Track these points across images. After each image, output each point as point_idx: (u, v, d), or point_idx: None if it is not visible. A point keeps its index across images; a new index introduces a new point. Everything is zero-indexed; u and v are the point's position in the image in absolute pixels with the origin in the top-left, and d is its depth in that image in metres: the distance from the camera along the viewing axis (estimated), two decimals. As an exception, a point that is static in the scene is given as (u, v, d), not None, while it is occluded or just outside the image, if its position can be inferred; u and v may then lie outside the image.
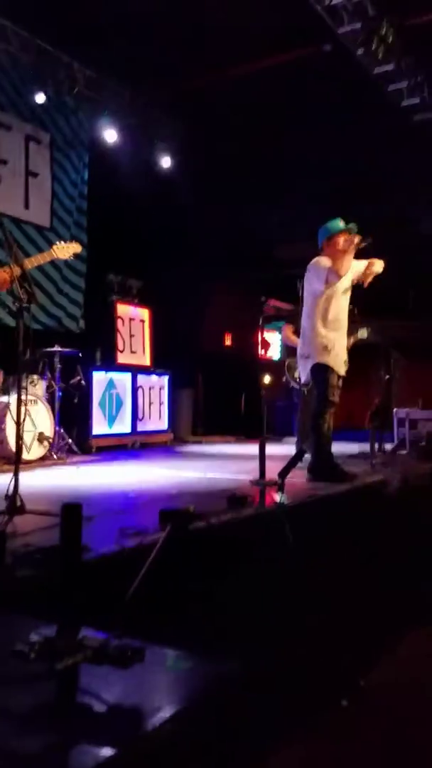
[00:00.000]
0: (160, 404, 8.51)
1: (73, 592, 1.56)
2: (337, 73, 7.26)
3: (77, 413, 7.04)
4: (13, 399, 5.47)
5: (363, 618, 3.09)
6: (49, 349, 6.54)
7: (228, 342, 11.35)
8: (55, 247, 4.96)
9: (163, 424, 8.57)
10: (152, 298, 8.74)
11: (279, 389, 9.20)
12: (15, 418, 3.58)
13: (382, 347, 7.93)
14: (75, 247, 5.02)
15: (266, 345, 10.76)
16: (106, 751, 1.17)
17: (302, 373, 5.18)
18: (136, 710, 1.33)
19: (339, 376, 4.96)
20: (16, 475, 3.25)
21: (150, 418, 8.29)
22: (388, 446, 6.92)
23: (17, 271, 3.64)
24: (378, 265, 5.03)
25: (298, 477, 4.72)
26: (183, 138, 9.07)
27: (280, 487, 4.12)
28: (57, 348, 6.61)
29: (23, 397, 3.68)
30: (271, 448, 4.70)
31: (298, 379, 5.99)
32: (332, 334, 4.92)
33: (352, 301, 5.16)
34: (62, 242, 5.14)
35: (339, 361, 4.95)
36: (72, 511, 1.61)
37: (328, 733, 2.15)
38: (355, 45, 6.90)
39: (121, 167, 8.47)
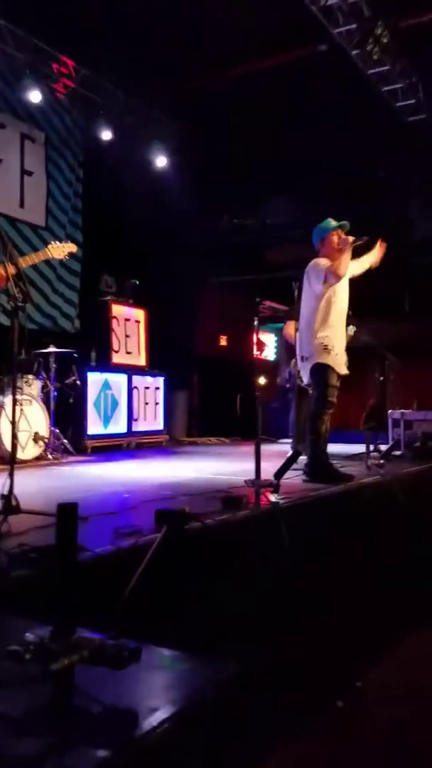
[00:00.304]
0: (156, 405, 8.50)
1: (68, 592, 1.55)
2: (332, 74, 7.27)
3: (72, 413, 7.03)
4: (8, 399, 5.46)
5: (360, 618, 3.09)
6: (44, 350, 6.53)
7: (223, 343, 11.35)
8: (50, 246, 4.94)
9: (159, 425, 8.56)
10: (147, 298, 8.73)
11: (274, 390, 9.20)
12: (10, 417, 3.56)
13: (377, 349, 7.95)
14: (70, 247, 5.01)
15: (261, 346, 10.75)
16: (102, 753, 1.16)
17: (302, 374, 5.17)
18: (132, 711, 1.31)
19: (339, 376, 4.96)
20: (11, 474, 3.23)
21: (145, 418, 8.28)
22: (383, 447, 6.92)
23: (12, 270, 3.62)
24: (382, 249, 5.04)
25: (294, 478, 4.71)
26: (178, 138, 9.07)
27: (276, 488, 4.11)
28: (52, 348, 6.59)
29: (18, 396, 3.65)
30: (267, 449, 4.69)
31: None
32: (331, 335, 4.91)
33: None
34: (57, 242, 5.12)
35: (339, 361, 4.95)
36: (68, 511, 1.59)
37: (324, 734, 2.14)
38: (350, 46, 6.92)
39: (117, 166, 8.46)
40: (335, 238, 4.90)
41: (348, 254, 4.81)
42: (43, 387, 6.52)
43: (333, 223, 4.97)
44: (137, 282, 8.45)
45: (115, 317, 8.23)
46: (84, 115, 8.55)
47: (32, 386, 6.24)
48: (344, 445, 6.74)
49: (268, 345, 11.07)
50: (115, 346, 8.17)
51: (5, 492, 3.21)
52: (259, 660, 2.20)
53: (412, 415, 7.34)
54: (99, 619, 1.64)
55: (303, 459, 4.96)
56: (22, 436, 5.70)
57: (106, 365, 7.82)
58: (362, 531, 4.19)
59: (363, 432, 6.45)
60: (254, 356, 10.61)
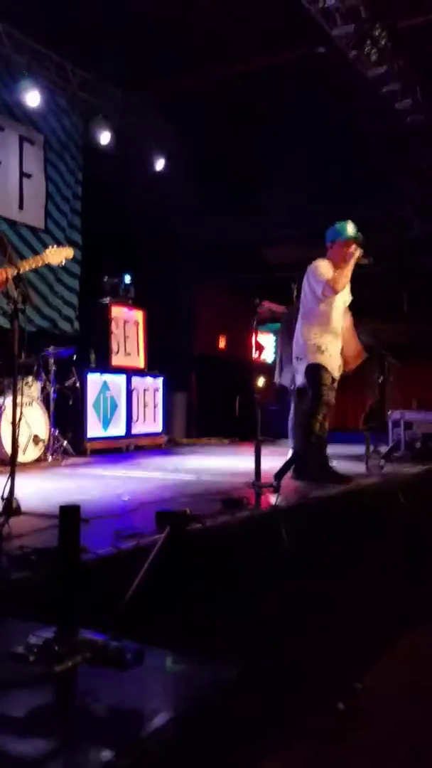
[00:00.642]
0: (155, 406, 8.50)
1: (71, 594, 1.56)
2: (330, 74, 7.28)
3: (72, 415, 7.03)
4: (8, 401, 5.46)
5: (360, 619, 3.10)
6: (43, 352, 6.53)
7: (222, 344, 11.35)
8: (47, 251, 4.83)
9: (158, 427, 8.56)
10: (146, 300, 8.74)
11: (273, 391, 9.20)
12: (10, 419, 3.57)
13: (375, 349, 7.96)
14: (67, 252, 4.89)
15: (260, 347, 10.75)
16: (106, 754, 1.17)
17: (297, 375, 5.17)
18: (135, 712, 1.32)
19: (333, 378, 4.95)
20: (12, 476, 3.24)
21: (144, 420, 8.28)
22: (383, 448, 6.93)
23: (12, 272, 3.63)
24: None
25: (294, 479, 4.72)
26: (176, 139, 9.08)
27: (276, 489, 4.12)
28: (52, 350, 6.60)
29: (18, 398, 3.66)
30: (266, 451, 4.69)
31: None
32: (327, 336, 4.91)
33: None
34: (54, 246, 5.06)
35: (333, 362, 4.94)
36: (70, 513, 1.60)
37: (324, 735, 2.15)
38: (348, 47, 6.93)
39: (116, 168, 8.47)
40: (345, 249, 4.83)
41: (350, 268, 4.77)
42: (43, 389, 6.53)
43: (351, 231, 4.88)
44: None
45: (114, 319, 8.23)
46: (83, 117, 8.56)
47: (32, 388, 6.24)
48: (343, 446, 6.75)
49: (266, 346, 11.06)
50: (114, 348, 8.17)
51: (6, 494, 3.22)
52: (260, 662, 2.21)
53: (412, 416, 7.35)
54: (101, 621, 1.64)
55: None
56: (22, 439, 5.70)
57: (105, 367, 7.83)
58: (362, 532, 4.20)
59: (362, 432, 6.45)
60: (253, 357, 10.62)
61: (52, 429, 6.40)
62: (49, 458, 6.22)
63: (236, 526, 3.34)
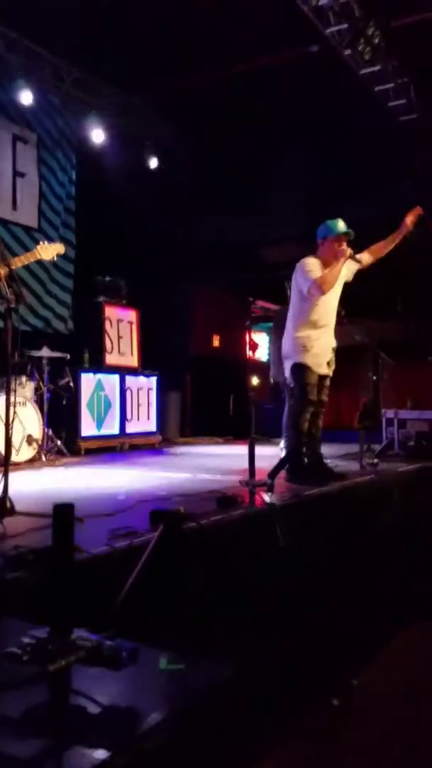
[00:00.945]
0: (149, 406, 8.49)
1: (65, 593, 1.55)
2: (325, 73, 7.28)
3: (66, 415, 7.01)
4: (1, 400, 5.44)
5: (356, 617, 3.10)
6: (37, 352, 6.51)
7: (216, 343, 11.35)
8: (38, 247, 4.96)
9: (152, 426, 8.55)
10: (140, 299, 8.72)
11: (267, 390, 9.21)
12: (4, 419, 3.56)
13: (370, 348, 7.97)
14: (58, 248, 5.02)
15: (254, 346, 10.77)
16: (100, 754, 1.16)
17: (285, 372, 5.15)
18: (129, 712, 1.32)
19: (322, 376, 4.92)
20: (5, 476, 3.23)
21: (138, 419, 8.27)
22: (377, 446, 6.94)
23: (4, 271, 3.61)
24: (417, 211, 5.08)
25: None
26: (171, 139, 9.07)
27: (270, 488, 4.12)
28: (45, 349, 6.58)
29: (12, 398, 3.65)
30: (260, 449, 4.69)
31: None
32: (313, 334, 4.86)
33: (341, 302, 5.13)
34: (46, 242, 5.14)
35: (319, 360, 4.88)
36: (64, 511, 1.59)
37: (322, 734, 2.14)
38: (342, 46, 6.93)
39: (109, 168, 8.45)
40: (336, 244, 4.79)
41: (339, 267, 4.72)
42: (37, 388, 6.51)
43: (341, 227, 4.84)
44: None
45: (108, 318, 8.22)
46: (76, 116, 8.54)
47: (26, 388, 6.23)
48: (337, 444, 6.76)
49: (261, 345, 11.07)
50: (108, 347, 8.15)
51: (0, 494, 3.20)
52: (256, 660, 2.21)
53: (406, 414, 7.36)
54: (96, 620, 1.64)
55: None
56: (16, 438, 5.68)
57: (99, 366, 7.81)
58: (356, 530, 4.20)
59: (357, 431, 6.45)
60: (247, 356, 10.62)
61: (46, 429, 6.38)
62: (43, 458, 6.21)
63: (231, 524, 3.33)
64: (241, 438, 8.90)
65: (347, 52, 6.98)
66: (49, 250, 4.93)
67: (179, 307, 10.09)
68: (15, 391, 5.58)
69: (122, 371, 8.11)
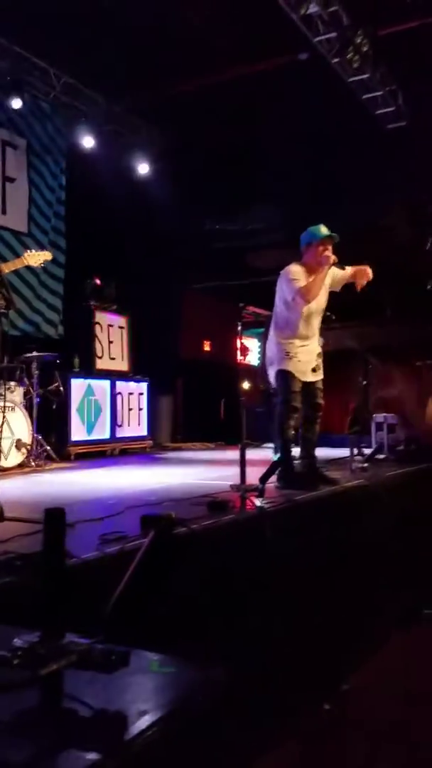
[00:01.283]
0: (140, 410, 8.49)
1: (56, 597, 1.55)
2: (312, 81, 7.33)
3: (55, 420, 6.99)
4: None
5: (346, 621, 3.10)
6: (27, 355, 6.49)
7: (207, 348, 11.36)
8: (26, 254, 5.07)
9: (143, 431, 8.54)
10: (132, 304, 8.73)
11: (258, 395, 9.22)
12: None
13: (359, 353, 8.00)
14: (46, 255, 5.12)
15: (245, 351, 10.79)
16: (92, 757, 1.16)
17: (270, 378, 5.15)
18: (121, 715, 1.31)
19: (306, 383, 4.94)
20: (-6, 481, 3.22)
21: (129, 424, 8.26)
22: (367, 451, 6.96)
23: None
24: (368, 274, 4.90)
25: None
26: (160, 144, 9.09)
27: (261, 492, 4.12)
28: (35, 354, 6.56)
29: (0, 403, 3.64)
30: (251, 454, 4.69)
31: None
32: (297, 341, 4.86)
33: (329, 307, 5.13)
34: (33, 249, 5.23)
35: (303, 367, 4.87)
36: (55, 516, 1.59)
37: (313, 736, 2.15)
38: (330, 54, 6.99)
39: (99, 173, 8.46)
40: (320, 249, 4.75)
41: (323, 275, 4.70)
42: (26, 393, 6.49)
43: (324, 231, 4.80)
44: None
45: (98, 323, 8.21)
46: (66, 121, 8.55)
47: (15, 393, 6.21)
48: (327, 449, 6.77)
49: (251, 350, 11.09)
50: (99, 352, 8.14)
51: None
52: (247, 663, 2.21)
53: (396, 419, 7.38)
54: (87, 625, 1.63)
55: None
56: (5, 444, 5.66)
57: (89, 371, 7.80)
58: (347, 534, 4.21)
59: (347, 436, 6.47)
60: (238, 361, 10.63)
61: (36, 434, 6.36)
62: (32, 463, 6.18)
63: (222, 529, 3.33)
64: (233, 443, 8.90)
65: (336, 60, 7.04)
66: (36, 258, 5.00)
67: (170, 311, 10.09)
68: (4, 396, 5.58)
69: (113, 376, 8.10)
